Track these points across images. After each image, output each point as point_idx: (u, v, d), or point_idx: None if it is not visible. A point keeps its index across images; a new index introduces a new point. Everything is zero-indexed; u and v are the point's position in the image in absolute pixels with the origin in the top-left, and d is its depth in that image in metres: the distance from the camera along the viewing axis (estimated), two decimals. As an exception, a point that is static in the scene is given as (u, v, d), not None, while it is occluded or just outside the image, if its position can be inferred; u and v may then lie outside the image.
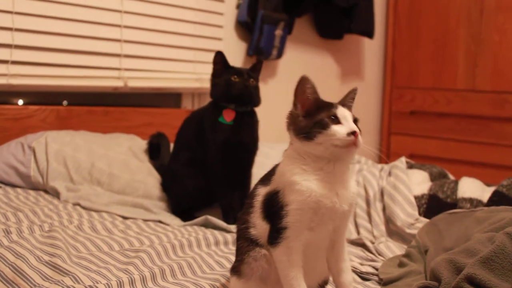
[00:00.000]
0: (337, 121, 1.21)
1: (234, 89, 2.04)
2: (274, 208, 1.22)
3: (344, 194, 1.22)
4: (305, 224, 1.20)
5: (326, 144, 1.20)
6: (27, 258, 1.47)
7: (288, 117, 1.27)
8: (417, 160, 2.60)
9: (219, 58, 2.07)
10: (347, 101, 1.30)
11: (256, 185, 1.32)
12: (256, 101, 2.11)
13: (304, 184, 1.19)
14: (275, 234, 1.21)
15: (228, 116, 2.05)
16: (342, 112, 1.23)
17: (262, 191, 1.28)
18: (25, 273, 1.41)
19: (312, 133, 1.20)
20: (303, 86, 1.24)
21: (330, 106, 1.24)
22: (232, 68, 2.08)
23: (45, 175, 2.21)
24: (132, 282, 1.38)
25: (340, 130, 1.20)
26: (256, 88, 2.10)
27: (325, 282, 1.35)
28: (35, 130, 2.45)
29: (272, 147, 2.35)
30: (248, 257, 1.26)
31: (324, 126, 1.20)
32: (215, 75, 2.10)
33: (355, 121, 1.24)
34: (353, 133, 1.20)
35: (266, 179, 1.29)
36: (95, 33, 2.64)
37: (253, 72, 2.10)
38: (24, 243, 1.57)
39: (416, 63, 3.98)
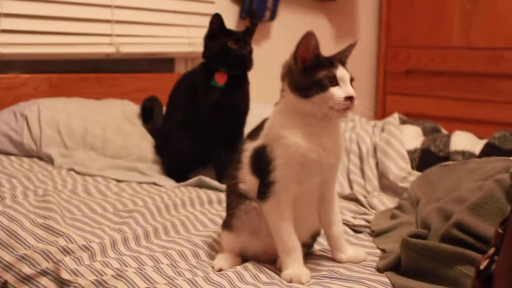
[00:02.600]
0: (335, 82, 1.21)
1: (231, 57, 2.02)
2: (262, 163, 1.23)
3: (331, 148, 1.22)
4: (293, 178, 1.21)
5: (321, 105, 1.20)
6: (21, 222, 1.48)
7: (284, 67, 1.26)
8: (412, 119, 2.59)
9: (216, 20, 2.04)
10: (343, 55, 1.28)
11: (244, 140, 1.32)
12: (250, 66, 2.10)
13: (291, 139, 1.20)
14: (264, 189, 1.22)
15: (220, 79, 2.04)
16: (341, 73, 1.22)
17: (250, 146, 1.28)
18: (19, 235, 1.42)
19: (310, 92, 1.20)
20: (308, 41, 1.21)
21: (330, 65, 1.22)
22: (229, 31, 2.06)
23: (38, 142, 2.21)
24: (125, 240, 1.39)
25: (337, 94, 1.20)
26: (251, 53, 2.08)
27: (317, 234, 1.37)
28: (28, 98, 2.43)
29: (264, 107, 2.34)
30: (239, 211, 1.28)
31: (322, 88, 1.20)
32: (209, 36, 2.08)
33: (351, 80, 1.23)
34: (350, 98, 1.19)
35: (254, 134, 1.30)
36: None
37: (248, 36, 2.07)
38: (18, 207, 1.58)
39: (411, 22, 3.94)
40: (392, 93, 4.04)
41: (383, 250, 1.38)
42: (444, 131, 2.24)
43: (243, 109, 2.09)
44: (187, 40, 2.97)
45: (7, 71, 2.54)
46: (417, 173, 1.88)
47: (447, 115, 3.63)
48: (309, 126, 1.21)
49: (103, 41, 2.70)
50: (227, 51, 2.02)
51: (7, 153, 2.21)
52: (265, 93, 2.51)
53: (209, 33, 2.08)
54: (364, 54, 4.12)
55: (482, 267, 0.85)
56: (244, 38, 2.05)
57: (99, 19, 2.67)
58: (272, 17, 3.28)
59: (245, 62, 2.06)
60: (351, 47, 1.29)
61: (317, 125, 1.22)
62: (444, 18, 3.77)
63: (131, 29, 2.79)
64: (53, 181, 1.90)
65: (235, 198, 1.30)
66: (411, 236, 1.19)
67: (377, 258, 1.33)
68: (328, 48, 1.26)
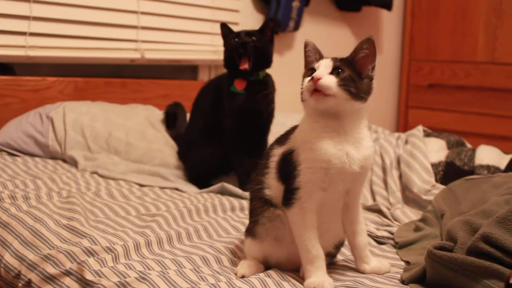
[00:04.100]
0: (314, 71, 1.23)
1: (232, 47, 2.02)
2: (288, 168, 1.23)
3: (354, 155, 1.21)
4: (316, 184, 1.21)
5: (304, 97, 1.23)
6: (46, 222, 1.49)
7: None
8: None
9: (225, 30, 2.07)
10: (354, 53, 1.26)
11: (272, 145, 1.33)
12: (260, 59, 2.04)
13: (316, 143, 1.20)
14: (289, 195, 1.22)
15: (239, 85, 2.04)
16: (320, 64, 1.23)
17: (278, 152, 1.28)
18: (44, 235, 1.43)
19: (301, 92, 1.24)
20: (304, 50, 1.29)
21: (315, 61, 1.26)
22: (233, 32, 2.07)
23: (63, 144, 2.23)
24: (148, 243, 1.40)
25: (306, 81, 1.22)
26: (258, 48, 2.02)
27: (341, 244, 1.36)
28: (54, 101, 2.46)
29: (288, 117, 2.35)
30: (263, 218, 1.27)
31: (303, 82, 1.24)
32: (224, 46, 2.10)
33: (337, 69, 1.21)
34: (312, 79, 1.20)
35: (283, 139, 1.30)
36: (112, 5, 2.64)
37: (259, 32, 2.06)
38: (43, 208, 1.59)
39: (435, 36, 3.93)
40: (415, 107, 4.02)
41: (407, 262, 1.37)
42: (469, 145, 2.22)
43: (265, 115, 2.07)
44: (211, 48, 2.99)
45: (32, 73, 2.57)
46: (441, 186, 1.86)
47: (470, 130, 3.60)
48: (329, 128, 1.21)
49: (129, 46, 2.73)
50: (229, 46, 2.04)
51: (32, 155, 2.24)
52: (289, 103, 2.51)
53: (223, 43, 2.10)
54: (387, 67, 4.11)
55: (511, 281, 0.84)
56: (248, 32, 2.03)
57: (125, 25, 2.70)
58: (296, 27, 3.29)
59: (239, 53, 2.00)
60: (361, 43, 1.26)
61: (336, 126, 1.21)
62: (468, 32, 3.76)
63: (156, 36, 2.81)
64: (76, 183, 1.92)
65: (259, 204, 1.29)
66: (436, 248, 1.18)
67: (401, 270, 1.32)
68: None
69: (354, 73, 1.22)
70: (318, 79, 1.19)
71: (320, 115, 1.22)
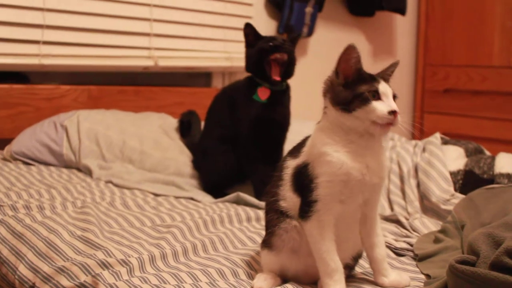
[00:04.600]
0: (378, 96, 1.18)
1: (268, 49, 1.96)
2: (304, 181, 1.21)
3: (374, 167, 1.19)
4: (335, 197, 1.18)
5: (363, 119, 1.17)
6: (60, 233, 1.48)
7: (326, 83, 1.24)
8: (454, 139, 2.54)
9: (249, 29, 2.03)
10: (386, 74, 1.26)
11: (285, 157, 1.31)
12: (291, 68, 2.03)
13: (335, 156, 1.17)
14: (306, 208, 1.20)
15: (263, 94, 2.02)
16: (383, 87, 1.19)
17: (292, 164, 1.26)
18: (58, 247, 1.42)
19: (351, 106, 1.18)
20: (349, 55, 1.20)
21: (372, 79, 1.20)
22: (266, 36, 2.03)
23: (77, 153, 2.23)
24: (164, 256, 1.38)
25: (380, 108, 1.17)
26: (292, 57, 2.02)
27: (359, 256, 1.34)
28: (68, 109, 2.47)
29: (303, 124, 2.32)
30: (279, 229, 1.25)
31: (364, 101, 1.17)
32: (248, 46, 2.06)
33: (394, 97, 1.21)
34: (393, 112, 1.17)
35: (296, 151, 1.28)
36: (125, 13, 2.64)
37: (290, 42, 2.04)
38: (57, 218, 1.59)
39: (449, 40, 3.89)
40: (430, 112, 3.98)
41: (427, 276, 1.34)
42: (488, 153, 2.19)
43: (283, 125, 2.06)
44: (224, 54, 2.98)
45: (46, 82, 2.58)
46: (460, 196, 1.83)
47: (487, 136, 3.55)
48: (352, 144, 1.19)
49: (142, 54, 2.72)
50: (266, 49, 1.97)
51: (47, 164, 2.23)
52: (303, 110, 2.49)
53: (246, 44, 2.06)
54: (402, 72, 4.07)
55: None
56: (285, 40, 2.00)
57: (138, 33, 2.70)
58: (310, 33, 3.27)
59: (288, 60, 1.98)
60: (392, 66, 1.27)
61: (360, 143, 1.19)
62: (484, 36, 3.71)
63: (169, 43, 2.81)
64: (91, 192, 1.91)
65: (274, 216, 1.27)
66: (459, 262, 1.15)
67: (421, 284, 1.29)
68: (365, 65, 1.23)
69: None
70: (397, 114, 1.17)
71: (347, 131, 1.20)
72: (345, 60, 1.21)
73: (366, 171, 1.18)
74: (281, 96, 2.04)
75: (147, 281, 1.24)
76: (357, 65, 1.21)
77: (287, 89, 2.08)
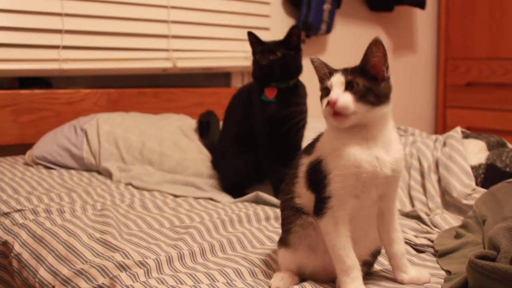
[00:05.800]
0: (328, 91, 1.19)
1: (255, 70, 2.05)
2: (318, 178, 1.20)
3: (384, 158, 1.18)
4: (348, 192, 1.17)
5: (327, 120, 1.20)
6: (79, 236, 1.50)
7: None
8: (475, 133, 2.51)
9: (251, 37, 2.06)
10: (364, 59, 1.21)
11: (300, 154, 1.30)
12: (286, 73, 2.01)
13: (344, 149, 1.17)
14: (320, 205, 1.19)
15: (270, 94, 2.02)
16: (332, 81, 1.20)
17: (306, 161, 1.26)
18: (77, 250, 1.44)
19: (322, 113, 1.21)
20: (313, 66, 1.26)
21: (327, 77, 1.22)
22: (260, 45, 2.04)
23: (97, 156, 2.24)
24: (181, 257, 1.38)
25: (324, 103, 1.19)
26: (282, 65, 1.99)
27: (378, 252, 1.32)
28: (88, 113, 2.49)
29: (320, 121, 2.30)
30: (295, 226, 1.25)
31: (320, 99, 1.22)
32: (252, 53, 2.09)
33: (350, 83, 1.17)
34: (329, 103, 1.17)
35: (310, 148, 1.27)
36: (143, 15, 2.65)
37: (284, 42, 2.02)
38: (77, 221, 1.60)
39: (470, 33, 3.84)
40: (453, 107, 3.93)
41: (448, 272, 1.31)
42: (510, 146, 2.15)
43: (296, 123, 2.05)
44: (243, 54, 2.98)
45: (68, 86, 2.60)
46: (482, 190, 1.80)
47: (510, 129, 3.50)
48: (357, 135, 1.18)
49: (160, 56, 2.74)
50: (255, 63, 2.05)
51: (68, 167, 2.25)
52: (320, 107, 2.47)
53: (252, 52, 2.08)
54: (423, 67, 4.03)
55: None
56: (271, 49, 2.00)
57: (156, 35, 2.71)
58: (328, 30, 3.25)
59: (264, 73, 2.01)
60: (368, 48, 1.20)
61: (364, 134, 1.19)
62: (505, 28, 3.65)
63: (187, 44, 2.81)
64: (111, 195, 1.92)
65: (290, 213, 1.27)
66: (478, 258, 1.13)
67: (441, 280, 1.27)
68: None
69: (370, 81, 1.18)
70: (334, 102, 1.16)
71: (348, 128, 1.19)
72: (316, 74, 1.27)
73: (376, 162, 1.17)
74: (290, 94, 2.02)
75: (164, 282, 1.24)
76: (322, 71, 1.24)
77: (296, 86, 2.06)
